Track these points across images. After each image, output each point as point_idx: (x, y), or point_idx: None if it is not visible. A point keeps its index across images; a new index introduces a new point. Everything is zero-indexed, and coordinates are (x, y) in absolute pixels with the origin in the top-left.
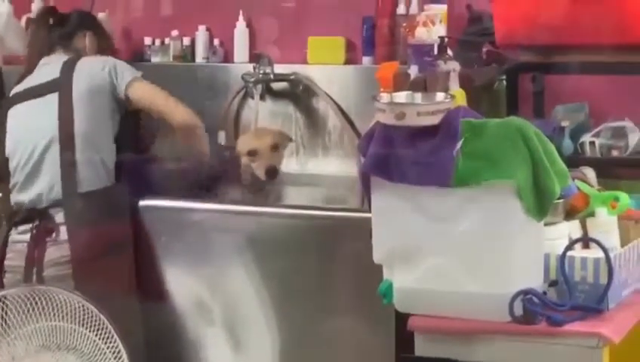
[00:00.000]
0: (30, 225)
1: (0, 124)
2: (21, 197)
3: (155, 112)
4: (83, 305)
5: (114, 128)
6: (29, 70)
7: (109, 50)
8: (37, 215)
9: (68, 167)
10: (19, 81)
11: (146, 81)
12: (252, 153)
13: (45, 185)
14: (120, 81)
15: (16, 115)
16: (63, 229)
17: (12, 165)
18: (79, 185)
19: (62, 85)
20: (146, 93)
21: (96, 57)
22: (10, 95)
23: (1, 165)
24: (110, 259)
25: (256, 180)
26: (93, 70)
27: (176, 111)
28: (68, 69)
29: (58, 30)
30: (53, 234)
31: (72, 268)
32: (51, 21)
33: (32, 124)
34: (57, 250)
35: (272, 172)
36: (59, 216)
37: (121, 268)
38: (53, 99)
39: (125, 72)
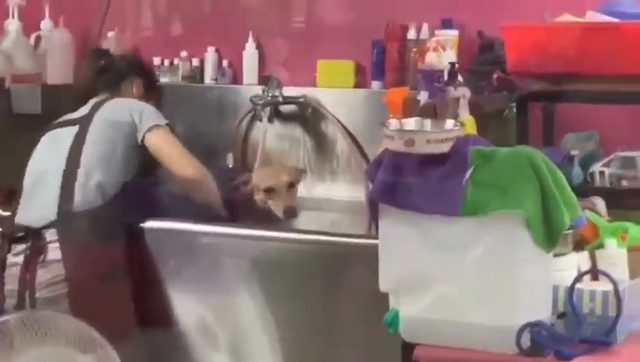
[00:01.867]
0: (24, 246)
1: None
2: (19, 218)
3: (164, 163)
4: (85, 331)
5: (127, 160)
6: (76, 106)
7: (156, 96)
8: (31, 235)
9: (68, 188)
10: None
11: (166, 131)
12: (269, 190)
13: (42, 207)
14: (141, 125)
15: (40, 143)
16: (52, 248)
17: (21, 187)
18: (73, 205)
19: (85, 119)
20: (159, 143)
21: (127, 99)
22: (48, 125)
23: (11, 188)
24: (104, 282)
25: (272, 216)
26: (117, 108)
27: (182, 166)
28: (97, 106)
29: (106, 75)
30: (42, 257)
31: (68, 288)
32: (102, 62)
33: (45, 152)
34: (48, 271)
35: (291, 212)
36: (49, 235)
37: (116, 290)
38: (72, 131)
39: (150, 118)
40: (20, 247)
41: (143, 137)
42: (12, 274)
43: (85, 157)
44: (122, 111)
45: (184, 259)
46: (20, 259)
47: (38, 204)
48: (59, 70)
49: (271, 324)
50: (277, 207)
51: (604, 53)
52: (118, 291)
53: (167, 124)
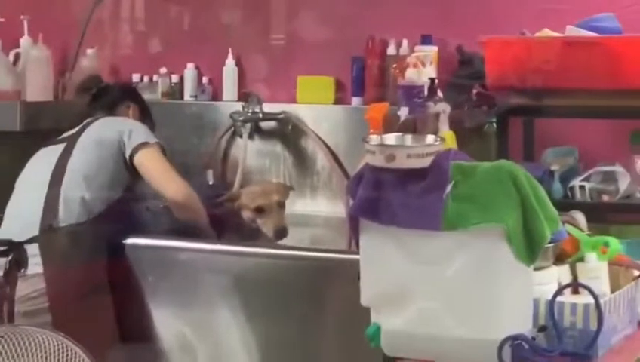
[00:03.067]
0: (4, 260)
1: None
2: (3, 232)
3: (152, 184)
4: (66, 346)
5: (114, 179)
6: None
7: (150, 122)
8: (13, 249)
9: (51, 202)
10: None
11: (155, 150)
12: (259, 210)
13: (25, 221)
14: (129, 143)
15: (33, 158)
16: (33, 263)
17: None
18: (56, 220)
19: (74, 137)
20: (147, 162)
21: (119, 117)
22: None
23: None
24: (87, 297)
25: (259, 235)
26: (106, 125)
27: (170, 187)
28: (87, 124)
29: (102, 99)
30: (22, 270)
31: (49, 302)
32: (94, 90)
33: (35, 167)
34: (27, 286)
35: (282, 232)
36: (31, 249)
37: (99, 305)
38: (61, 148)
39: (139, 135)
40: (1, 260)
41: (132, 155)
42: None
43: (69, 174)
44: (111, 128)
45: (165, 275)
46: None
47: (21, 217)
48: (38, 87)
49: (251, 340)
50: (267, 228)
51: (584, 68)
52: (101, 306)
53: (157, 143)
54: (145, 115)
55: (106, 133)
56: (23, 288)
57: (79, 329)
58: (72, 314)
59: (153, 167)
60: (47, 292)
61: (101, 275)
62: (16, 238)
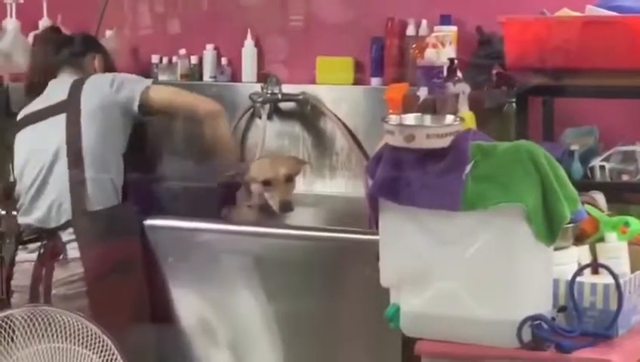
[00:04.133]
0: (38, 244)
1: (7, 147)
2: (27, 219)
3: (178, 108)
4: (87, 327)
5: (123, 146)
6: (33, 89)
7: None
8: (45, 235)
9: (77, 185)
10: (25, 103)
11: (156, 86)
12: (266, 183)
13: (52, 205)
14: (131, 95)
15: (24, 138)
16: (70, 248)
17: (19, 187)
18: (88, 203)
19: (70, 106)
20: (164, 95)
21: (104, 74)
22: (19, 118)
23: (8, 186)
24: (122, 278)
25: (268, 208)
26: (101, 87)
27: (199, 102)
28: (76, 89)
29: (66, 50)
30: (61, 256)
31: (87, 286)
32: (56, 41)
33: (39, 146)
34: (65, 270)
35: (287, 206)
36: (65, 235)
37: (132, 287)
38: (60, 120)
39: (135, 85)
40: (33, 245)
41: (143, 102)
42: (23, 270)
43: (88, 152)
44: (108, 90)
45: (185, 256)
46: (33, 256)
47: (46, 203)
48: None
49: (270, 320)
50: (273, 201)
51: (604, 48)
52: (130, 286)
53: (152, 80)
54: (110, 64)
55: (104, 97)
56: (60, 272)
57: (113, 311)
58: (107, 297)
59: (173, 95)
60: (85, 277)
61: (130, 256)
62: (47, 225)
